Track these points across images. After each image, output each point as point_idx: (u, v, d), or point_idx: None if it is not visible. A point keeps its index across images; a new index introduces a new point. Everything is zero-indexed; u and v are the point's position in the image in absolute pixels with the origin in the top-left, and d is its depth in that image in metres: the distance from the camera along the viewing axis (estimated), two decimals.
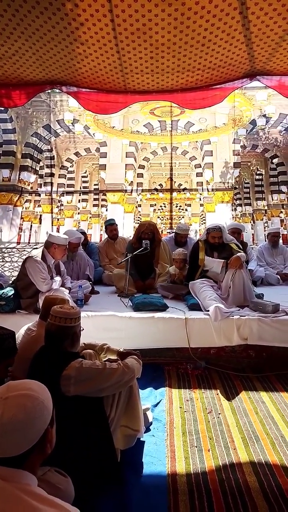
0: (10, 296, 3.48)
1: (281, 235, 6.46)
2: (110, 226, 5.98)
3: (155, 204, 24.31)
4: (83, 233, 5.55)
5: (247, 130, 13.28)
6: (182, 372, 3.21)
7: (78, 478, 1.61)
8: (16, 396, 1.01)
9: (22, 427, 0.97)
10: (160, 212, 26.76)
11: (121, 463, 1.90)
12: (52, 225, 14.62)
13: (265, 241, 6.78)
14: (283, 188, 16.42)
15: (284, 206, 17.37)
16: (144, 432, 2.20)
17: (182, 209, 26.54)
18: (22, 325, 2.54)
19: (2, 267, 7.99)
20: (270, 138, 14.87)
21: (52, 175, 15.40)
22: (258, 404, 2.66)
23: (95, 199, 21.94)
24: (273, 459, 2.03)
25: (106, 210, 18.11)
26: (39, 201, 18.30)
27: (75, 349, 1.95)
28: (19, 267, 3.85)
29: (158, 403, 2.68)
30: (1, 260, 8.30)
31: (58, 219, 20.71)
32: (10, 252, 8.57)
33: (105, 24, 2.62)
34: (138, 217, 22.72)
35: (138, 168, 15.67)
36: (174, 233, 5.71)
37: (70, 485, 1.53)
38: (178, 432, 2.30)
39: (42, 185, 18.12)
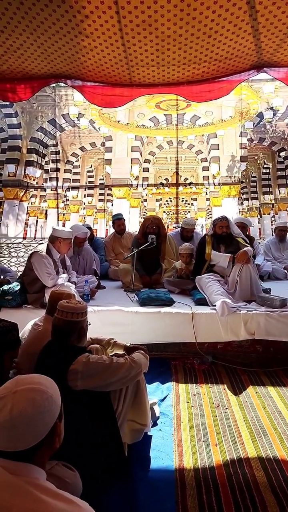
0: (17, 291, 3.50)
1: None
2: (118, 221, 5.97)
3: (161, 198, 24.22)
4: (89, 228, 5.56)
5: (254, 123, 13.10)
6: (189, 366, 3.21)
7: (86, 472, 1.62)
8: (25, 390, 1.01)
9: (31, 421, 0.97)
10: (166, 206, 26.68)
11: (128, 457, 1.91)
12: (58, 220, 14.69)
13: (272, 235, 6.71)
14: None
15: None
16: (151, 427, 2.21)
17: (188, 204, 26.42)
18: (29, 320, 2.55)
19: (9, 262, 8.05)
20: (277, 131, 14.69)
21: (57, 170, 15.41)
22: (266, 399, 2.65)
23: (100, 194, 21.93)
24: (281, 453, 2.02)
25: (112, 205, 18.11)
26: (45, 196, 18.41)
27: (82, 343, 1.95)
28: (25, 262, 3.86)
29: (165, 397, 2.68)
30: (7, 255, 8.35)
31: (64, 214, 20.82)
32: (16, 247, 8.62)
33: (110, 16, 2.59)
34: (144, 212, 22.68)
35: (144, 162, 15.60)
36: (180, 228, 5.69)
37: (77, 479, 1.54)
38: (185, 427, 2.31)
39: (48, 180, 18.16)
